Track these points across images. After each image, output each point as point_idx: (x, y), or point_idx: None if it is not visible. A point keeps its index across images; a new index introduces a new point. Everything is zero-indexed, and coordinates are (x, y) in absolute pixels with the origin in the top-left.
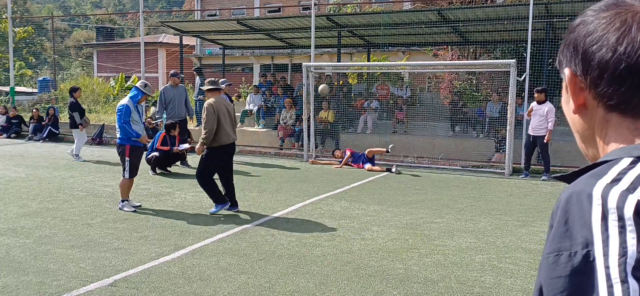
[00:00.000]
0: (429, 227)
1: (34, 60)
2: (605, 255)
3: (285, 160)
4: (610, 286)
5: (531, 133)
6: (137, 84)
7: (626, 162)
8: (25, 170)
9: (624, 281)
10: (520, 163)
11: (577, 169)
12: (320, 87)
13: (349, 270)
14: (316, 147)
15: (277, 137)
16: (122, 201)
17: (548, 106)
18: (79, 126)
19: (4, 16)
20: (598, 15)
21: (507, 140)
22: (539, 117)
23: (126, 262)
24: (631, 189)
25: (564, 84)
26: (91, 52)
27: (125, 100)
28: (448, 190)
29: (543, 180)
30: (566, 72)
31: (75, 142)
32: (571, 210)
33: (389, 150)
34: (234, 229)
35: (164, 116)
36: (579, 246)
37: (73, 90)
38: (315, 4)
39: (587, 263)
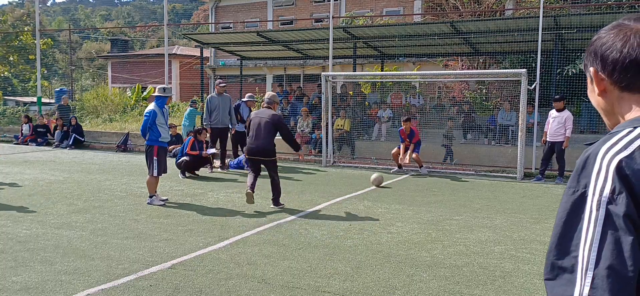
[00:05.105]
0: (449, 223)
1: (46, 71)
2: (593, 194)
3: (304, 166)
4: (591, 211)
5: (549, 139)
6: (157, 89)
7: (625, 130)
8: (62, 174)
9: (598, 209)
10: (530, 168)
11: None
12: (373, 177)
13: (380, 257)
14: (333, 153)
15: None
16: (150, 196)
17: (567, 114)
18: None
19: (25, 28)
20: (609, 32)
21: (518, 147)
22: (557, 124)
23: (178, 250)
24: (622, 149)
25: (588, 79)
26: (103, 63)
27: (151, 106)
28: (463, 192)
29: (557, 182)
30: (591, 70)
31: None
32: (585, 163)
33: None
34: (269, 224)
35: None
36: (581, 187)
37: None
38: (333, 17)
39: (583, 197)
